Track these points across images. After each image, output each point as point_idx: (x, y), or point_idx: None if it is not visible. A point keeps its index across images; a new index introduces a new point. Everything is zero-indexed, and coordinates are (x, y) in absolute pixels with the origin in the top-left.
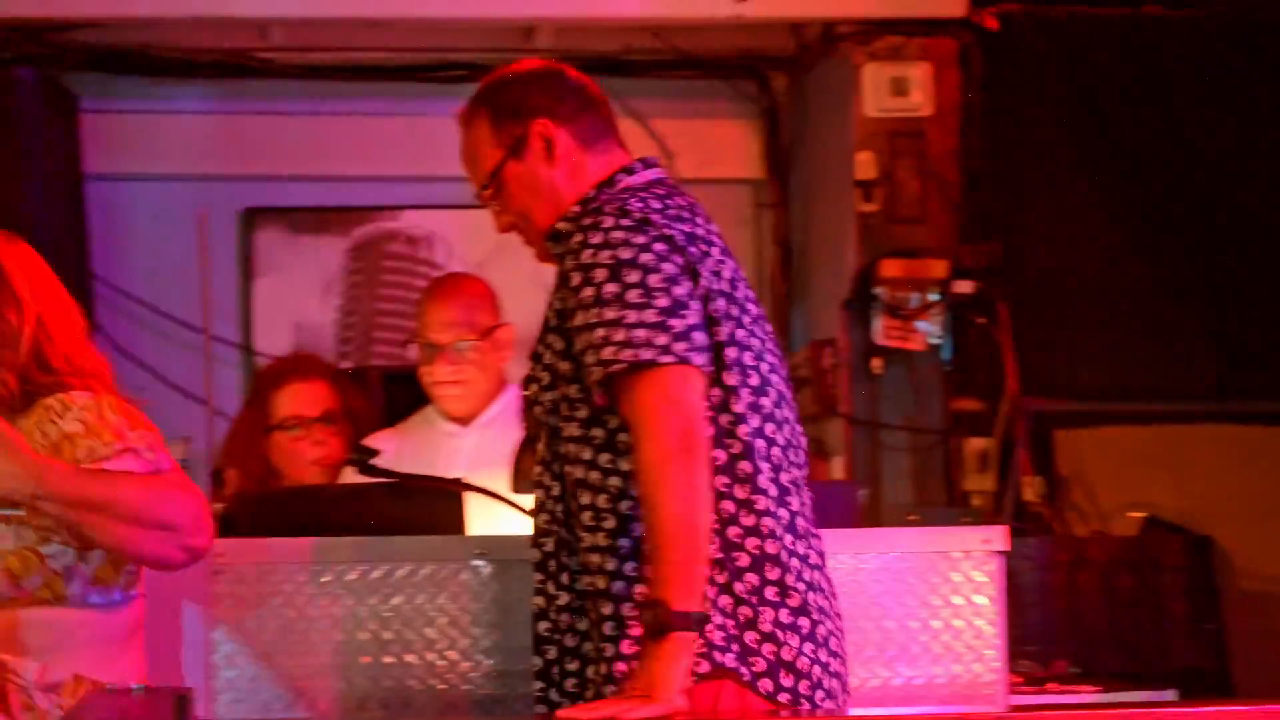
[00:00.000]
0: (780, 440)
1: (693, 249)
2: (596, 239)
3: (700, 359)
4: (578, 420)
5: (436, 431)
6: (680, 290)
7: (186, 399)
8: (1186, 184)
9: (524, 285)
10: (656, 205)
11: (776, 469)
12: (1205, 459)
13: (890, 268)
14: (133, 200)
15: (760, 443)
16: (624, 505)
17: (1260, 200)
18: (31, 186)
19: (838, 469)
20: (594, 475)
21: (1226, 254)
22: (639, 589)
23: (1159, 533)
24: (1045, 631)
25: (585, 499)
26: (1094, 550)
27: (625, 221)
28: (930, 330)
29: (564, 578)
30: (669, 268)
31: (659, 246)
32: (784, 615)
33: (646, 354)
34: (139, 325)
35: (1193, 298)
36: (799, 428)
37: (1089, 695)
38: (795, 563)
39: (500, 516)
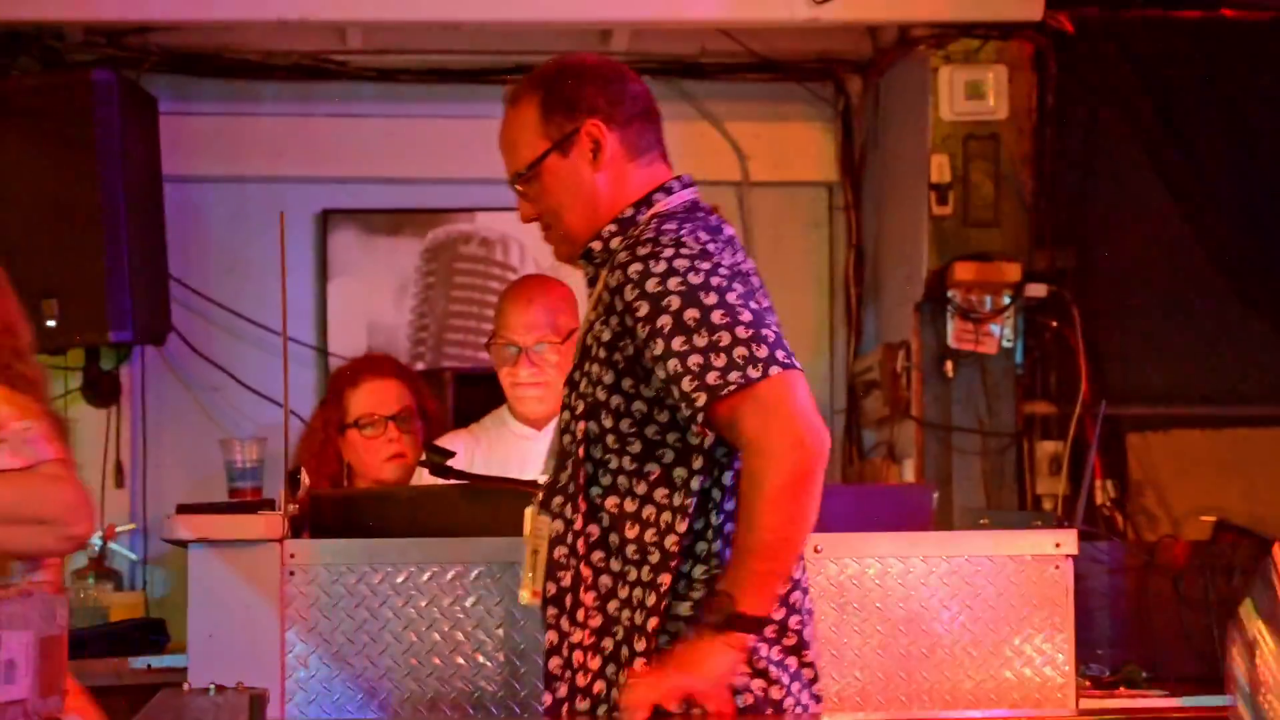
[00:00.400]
0: None
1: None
2: (660, 268)
3: (798, 362)
4: (630, 454)
5: (509, 433)
6: (755, 305)
7: (262, 399)
8: (1260, 189)
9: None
10: (706, 237)
11: None
12: (1278, 463)
13: (963, 271)
14: (210, 202)
15: None
16: (669, 541)
17: None
18: (110, 188)
19: (909, 471)
20: (647, 510)
21: None
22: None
23: (1230, 536)
24: (1115, 635)
25: (631, 533)
26: (1164, 554)
27: (685, 251)
28: (1003, 333)
29: (579, 614)
30: (739, 286)
31: (724, 270)
32: (775, 653)
33: (753, 372)
34: (215, 326)
35: (1266, 302)
36: None
37: (1158, 699)
38: (796, 597)
39: None
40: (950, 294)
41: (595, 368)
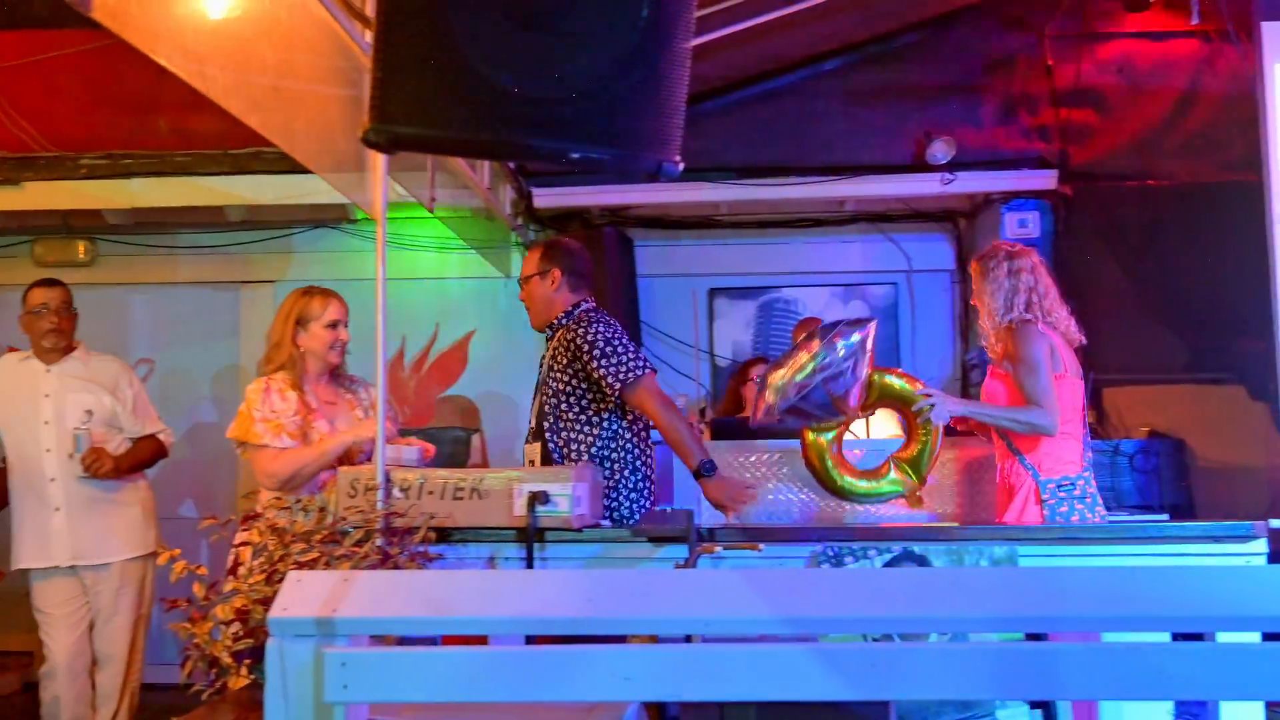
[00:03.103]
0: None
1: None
2: (594, 328)
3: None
4: (570, 412)
5: None
6: (633, 345)
7: (683, 377)
8: (1175, 279)
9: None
10: (612, 322)
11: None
12: (1180, 401)
13: None
14: (660, 287)
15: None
16: (587, 451)
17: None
18: (613, 282)
19: None
20: (581, 436)
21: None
22: None
23: (1157, 437)
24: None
25: (567, 449)
26: (1124, 446)
27: (605, 323)
28: None
29: None
30: (624, 337)
31: (615, 331)
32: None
33: (638, 372)
34: (662, 343)
35: (1170, 320)
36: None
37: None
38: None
39: None
40: None
41: (556, 374)
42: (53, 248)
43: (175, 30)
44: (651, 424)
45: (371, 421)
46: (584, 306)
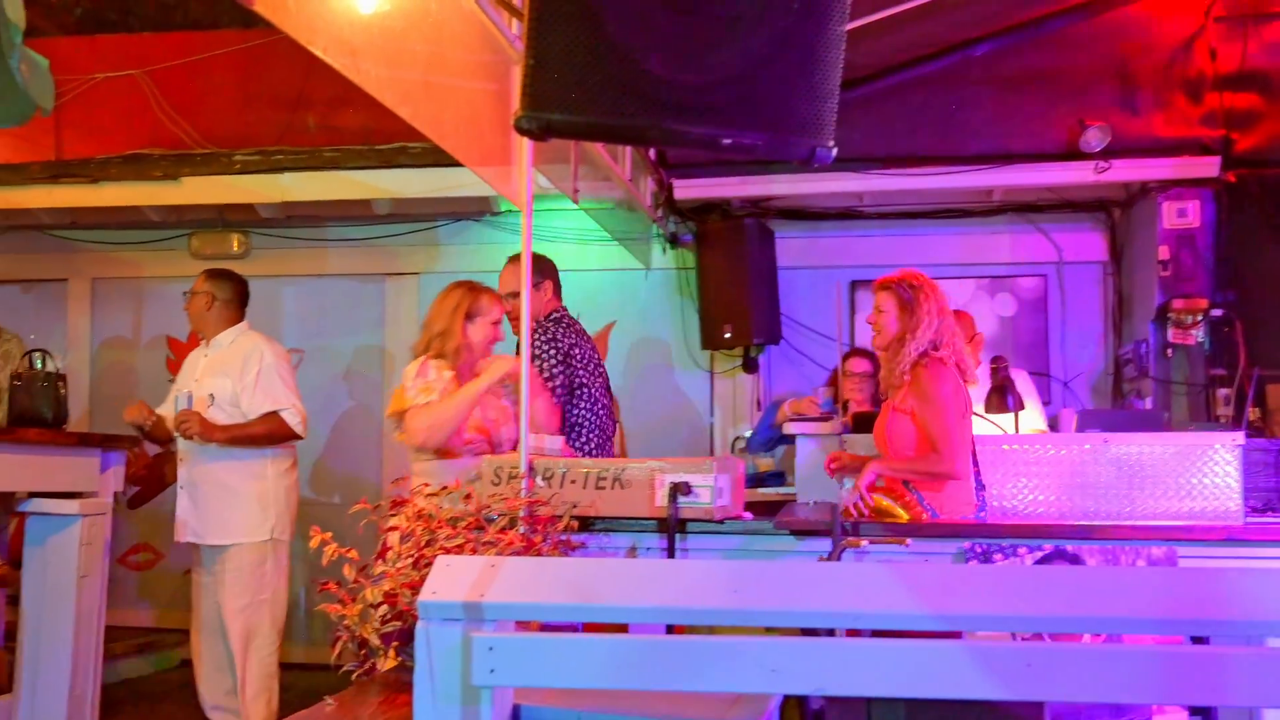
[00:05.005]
0: (599, 423)
1: (575, 350)
2: (547, 335)
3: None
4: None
5: None
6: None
7: (822, 370)
8: None
9: (983, 315)
10: (566, 328)
11: (592, 432)
12: None
13: (1177, 302)
14: (801, 279)
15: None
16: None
17: None
18: (755, 273)
19: (1147, 404)
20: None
21: None
22: None
23: None
24: (1266, 488)
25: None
26: None
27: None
28: (1199, 334)
29: None
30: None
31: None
32: None
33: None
34: (802, 335)
35: None
36: (610, 419)
37: None
38: None
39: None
40: (1170, 315)
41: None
42: (209, 241)
43: (331, 24)
44: (586, 406)
45: (499, 361)
46: (560, 314)
